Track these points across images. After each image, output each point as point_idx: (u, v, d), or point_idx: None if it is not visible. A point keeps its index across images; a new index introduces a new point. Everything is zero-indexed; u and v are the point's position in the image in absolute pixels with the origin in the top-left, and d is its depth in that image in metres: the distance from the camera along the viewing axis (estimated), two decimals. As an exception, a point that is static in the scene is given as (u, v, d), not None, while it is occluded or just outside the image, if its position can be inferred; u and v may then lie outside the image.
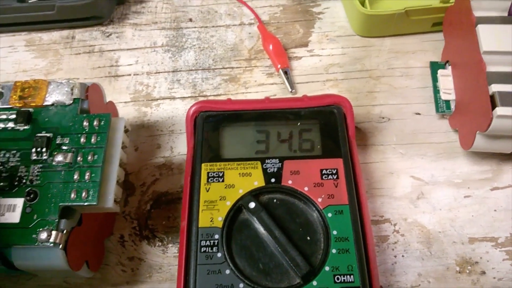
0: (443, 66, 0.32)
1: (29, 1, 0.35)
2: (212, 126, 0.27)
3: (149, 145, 0.31)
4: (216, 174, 0.26)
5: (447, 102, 0.31)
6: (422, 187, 0.29)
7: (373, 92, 0.32)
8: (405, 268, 0.27)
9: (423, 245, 0.28)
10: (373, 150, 0.30)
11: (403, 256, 0.27)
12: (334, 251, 0.23)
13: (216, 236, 0.24)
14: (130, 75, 0.34)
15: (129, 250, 0.28)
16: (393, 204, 0.29)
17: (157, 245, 0.28)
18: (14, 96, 0.25)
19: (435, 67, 0.32)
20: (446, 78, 0.31)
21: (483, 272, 0.27)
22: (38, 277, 0.27)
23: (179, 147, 0.31)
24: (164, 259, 0.28)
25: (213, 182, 0.25)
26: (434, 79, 0.32)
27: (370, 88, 0.33)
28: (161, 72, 0.34)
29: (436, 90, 0.32)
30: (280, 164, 0.26)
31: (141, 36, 0.35)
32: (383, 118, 0.32)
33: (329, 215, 0.24)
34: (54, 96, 0.25)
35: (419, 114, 0.32)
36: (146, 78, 0.34)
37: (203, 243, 0.24)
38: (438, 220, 0.28)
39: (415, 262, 0.27)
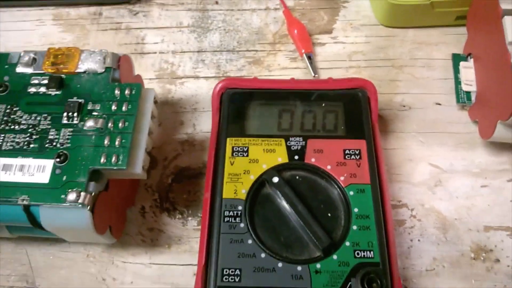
0: (465, 59, 0.33)
1: (58, -23, 0.35)
2: (238, 102, 0.28)
3: (172, 121, 0.32)
4: (241, 148, 0.26)
5: (468, 93, 0.31)
6: (440, 175, 0.30)
7: (395, 80, 0.33)
8: (421, 252, 0.27)
9: (439, 231, 0.28)
10: (394, 137, 0.31)
11: (419, 240, 0.28)
12: (354, 227, 0.24)
13: (240, 207, 0.24)
14: (155, 53, 0.34)
15: (149, 221, 0.28)
16: (411, 189, 0.29)
17: (177, 217, 0.29)
18: (47, 62, 0.26)
19: (457, 59, 0.33)
20: (468, 70, 0.32)
21: (497, 260, 0.27)
22: (58, 244, 0.28)
23: (201, 125, 0.31)
24: (184, 231, 0.28)
25: (238, 156, 0.26)
26: (456, 71, 0.32)
27: (393, 76, 0.33)
28: (186, 52, 0.34)
29: (457, 82, 0.32)
30: (303, 142, 0.26)
31: (168, 16, 0.36)
32: (404, 106, 0.32)
33: (351, 193, 0.25)
34: (86, 64, 0.26)
35: (439, 104, 0.32)
36: (171, 57, 0.34)
37: (226, 213, 0.24)
38: (455, 208, 0.29)
39: (431, 247, 0.27)
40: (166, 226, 0.28)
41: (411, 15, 0.34)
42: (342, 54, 0.34)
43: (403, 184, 0.29)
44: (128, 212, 0.29)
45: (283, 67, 0.34)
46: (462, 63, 0.32)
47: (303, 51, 0.33)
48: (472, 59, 0.32)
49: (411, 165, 0.30)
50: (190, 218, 0.29)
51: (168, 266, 0.27)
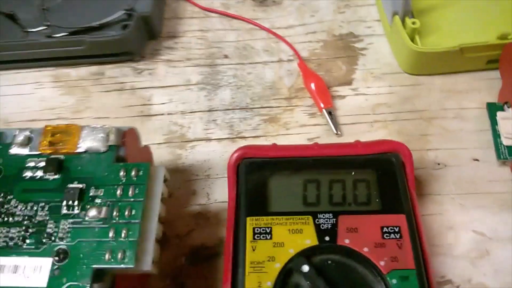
0: (501, 108, 0.30)
1: (57, 36, 0.33)
2: (256, 174, 0.25)
3: (184, 191, 0.29)
4: (263, 230, 0.23)
5: (510, 147, 0.28)
6: (486, 243, 0.26)
7: (426, 135, 0.30)
8: None
9: (491, 311, 0.25)
10: (429, 200, 0.28)
11: (470, 324, 0.24)
12: (401, 324, 0.20)
13: (266, 305, 0.21)
14: (163, 114, 0.32)
15: (162, 311, 0.25)
16: (454, 263, 0.26)
17: (193, 306, 0.25)
18: (44, 142, 0.23)
19: (492, 108, 0.30)
20: (507, 121, 0.29)
21: None
22: None
23: (216, 194, 0.29)
24: (202, 323, 0.25)
25: (260, 239, 0.23)
26: (493, 122, 0.29)
27: (422, 130, 0.30)
28: (196, 112, 0.32)
29: (496, 134, 0.29)
30: (334, 219, 0.23)
31: (175, 73, 0.33)
32: (439, 164, 0.29)
33: (394, 281, 0.21)
34: (87, 142, 0.23)
35: (477, 160, 0.29)
36: (181, 118, 0.32)
37: (251, 313, 0.21)
38: (507, 281, 0.25)
39: (485, 333, 0.24)
40: (181, 317, 0.25)
41: (438, 63, 0.31)
42: (365, 107, 0.31)
43: (445, 258, 0.26)
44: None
45: (302, 124, 0.31)
46: (499, 114, 0.29)
47: (322, 106, 0.31)
48: (510, 109, 0.29)
49: (452, 233, 0.27)
50: (208, 310, 0.25)
51: None
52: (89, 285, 0.20)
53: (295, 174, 0.25)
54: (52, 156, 0.23)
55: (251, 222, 0.23)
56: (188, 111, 0.32)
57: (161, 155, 0.30)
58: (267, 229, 0.23)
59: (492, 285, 0.25)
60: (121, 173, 0.22)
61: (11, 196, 0.22)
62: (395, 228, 0.23)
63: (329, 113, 0.30)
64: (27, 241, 0.21)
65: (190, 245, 0.27)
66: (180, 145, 0.30)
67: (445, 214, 0.27)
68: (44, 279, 0.20)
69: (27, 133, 0.24)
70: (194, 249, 0.27)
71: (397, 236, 0.22)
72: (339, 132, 0.30)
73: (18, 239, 0.21)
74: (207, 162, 0.30)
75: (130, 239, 0.21)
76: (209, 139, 0.31)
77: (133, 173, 0.22)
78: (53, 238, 0.21)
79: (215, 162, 0.30)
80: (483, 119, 0.30)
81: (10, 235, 0.21)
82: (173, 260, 0.26)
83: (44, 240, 0.21)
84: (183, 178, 0.29)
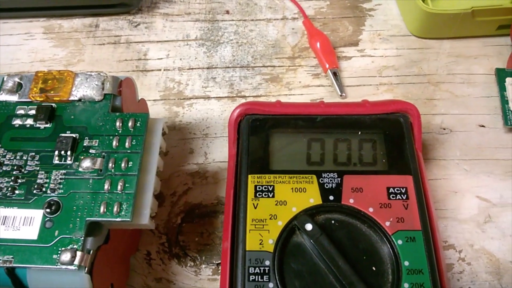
0: (510, 74, 0.29)
1: (49, -16, 0.31)
2: (259, 131, 0.24)
3: (181, 149, 0.28)
4: (265, 188, 0.22)
5: (518, 114, 0.28)
6: (490, 209, 0.26)
7: (432, 99, 0.29)
8: (474, 303, 0.24)
9: (492, 276, 0.24)
10: (435, 165, 0.27)
11: (470, 288, 0.24)
12: (406, 285, 0.20)
13: (267, 263, 0.20)
14: (160, 70, 0.30)
15: (156, 270, 0.24)
16: (457, 227, 0.25)
17: (188, 265, 0.25)
18: (35, 89, 0.22)
19: (502, 74, 0.29)
20: (516, 87, 0.28)
21: None
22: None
23: (214, 153, 0.27)
24: (197, 282, 0.24)
25: (262, 197, 0.22)
26: (502, 88, 0.29)
27: (429, 95, 0.29)
28: (195, 69, 0.30)
29: (504, 101, 0.28)
30: (339, 179, 0.22)
31: (173, 28, 0.32)
32: (445, 129, 0.28)
33: (399, 242, 0.21)
34: (81, 90, 0.22)
35: (483, 126, 0.28)
36: (178, 75, 0.30)
37: (251, 270, 0.20)
38: (509, 248, 0.25)
39: (485, 296, 0.24)
40: (176, 276, 0.24)
41: (448, 25, 0.30)
42: (371, 69, 0.30)
43: (449, 221, 0.25)
44: (131, 259, 0.25)
45: (305, 85, 0.30)
46: (508, 80, 0.28)
47: (327, 66, 0.29)
48: (520, 75, 0.28)
49: (457, 198, 0.26)
50: (204, 266, 0.25)
51: (180, 323, 0.23)
52: (82, 238, 0.19)
53: (299, 133, 0.24)
54: (44, 104, 0.22)
55: (252, 180, 0.22)
56: (186, 68, 0.30)
57: (157, 112, 0.29)
58: (269, 187, 0.22)
59: (495, 251, 0.25)
60: (118, 124, 0.21)
61: (-1, 145, 0.21)
62: (401, 189, 0.22)
63: (334, 74, 0.29)
64: (16, 191, 0.20)
65: (187, 203, 0.26)
66: (177, 102, 0.29)
67: (449, 179, 0.27)
68: (35, 232, 0.19)
69: (16, 79, 0.22)
70: (190, 207, 0.26)
71: (404, 197, 0.22)
72: (343, 94, 0.29)
73: (7, 190, 0.20)
74: (205, 121, 0.29)
75: (126, 191, 0.19)
76: (208, 97, 0.29)
77: (130, 123, 0.21)
78: (44, 189, 0.20)
79: (214, 120, 0.29)
80: (491, 85, 0.29)
81: (-2, 185, 0.20)
82: (169, 218, 0.26)
83: (34, 191, 0.20)
84: (179, 136, 0.28)
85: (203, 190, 0.26)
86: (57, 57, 0.31)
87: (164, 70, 0.30)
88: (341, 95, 0.29)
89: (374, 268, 0.20)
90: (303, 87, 0.30)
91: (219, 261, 0.24)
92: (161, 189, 0.26)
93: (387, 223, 0.21)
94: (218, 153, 0.27)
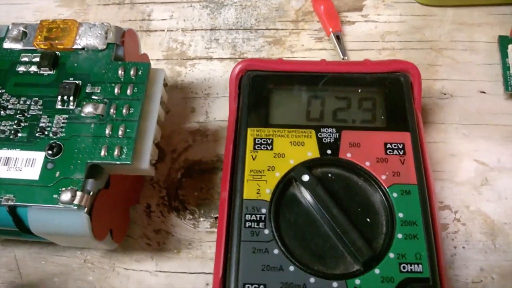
0: (513, 41, 0.29)
1: None
2: (260, 87, 0.24)
3: (182, 108, 0.28)
4: (264, 141, 0.22)
5: (519, 80, 0.28)
6: (487, 172, 0.26)
7: (434, 65, 0.29)
8: (466, 261, 0.24)
9: (486, 237, 0.24)
10: (434, 129, 0.27)
11: (463, 247, 0.24)
12: (399, 236, 0.20)
13: (263, 211, 0.21)
14: (163, 30, 0.30)
15: (155, 222, 0.25)
16: (454, 189, 0.26)
17: (187, 218, 0.25)
18: (39, 37, 0.22)
19: (504, 42, 0.29)
20: (518, 54, 0.28)
21: (556, 272, 0.23)
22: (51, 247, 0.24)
23: (215, 112, 0.28)
24: (195, 234, 0.25)
25: (260, 149, 0.22)
26: (504, 55, 0.29)
27: (431, 60, 0.29)
28: (198, 30, 0.30)
29: (505, 67, 0.28)
30: (337, 134, 0.22)
31: (177, -11, 0.32)
32: (445, 94, 0.28)
33: (394, 195, 0.21)
34: (85, 39, 0.22)
35: (484, 92, 0.28)
36: (181, 35, 0.30)
37: (248, 217, 0.21)
38: (504, 210, 0.25)
39: (477, 255, 0.24)
40: (175, 228, 0.25)
41: (452, -8, 0.30)
42: (374, 35, 0.30)
43: (445, 183, 0.26)
44: (131, 211, 0.25)
45: (308, 48, 0.30)
46: (510, 46, 0.28)
47: (330, 30, 0.29)
48: (523, 42, 0.28)
49: (454, 161, 0.26)
50: (202, 219, 0.25)
51: (176, 274, 0.24)
52: (83, 179, 0.19)
53: (300, 89, 0.24)
54: (48, 52, 0.22)
55: (252, 133, 0.23)
56: (190, 29, 0.30)
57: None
58: (268, 140, 0.22)
59: (490, 213, 0.25)
60: (120, 72, 0.21)
61: (3, 90, 0.21)
62: (399, 145, 0.22)
63: (337, 37, 0.29)
64: (19, 134, 0.20)
65: (187, 159, 0.26)
66: (180, 62, 0.29)
67: (448, 143, 0.27)
68: (36, 172, 0.20)
69: (21, 28, 0.23)
70: (190, 163, 0.26)
71: (401, 153, 0.22)
72: (346, 58, 0.29)
73: (10, 133, 0.20)
74: (207, 81, 0.29)
75: (127, 136, 0.20)
76: (210, 58, 0.30)
77: (132, 72, 0.21)
78: (46, 133, 0.20)
79: (216, 81, 0.29)
80: (493, 53, 0.29)
81: (1, 128, 0.21)
82: (169, 173, 0.26)
83: (37, 134, 0.20)
84: (181, 96, 0.28)
85: (203, 148, 0.27)
86: (61, 17, 0.31)
87: (167, 30, 0.30)
88: (343, 58, 0.29)
89: (368, 220, 0.21)
90: (306, 50, 0.30)
91: (218, 215, 0.25)
92: (162, 145, 0.27)
93: (383, 177, 0.21)
94: (219, 112, 0.28)
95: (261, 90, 0.24)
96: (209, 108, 0.28)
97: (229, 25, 0.31)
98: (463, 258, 0.24)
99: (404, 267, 0.19)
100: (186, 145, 0.27)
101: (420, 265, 0.20)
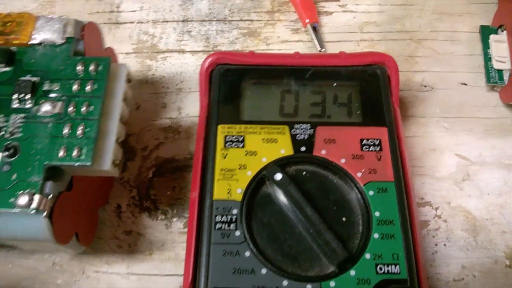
0: (495, 31, 0.28)
1: None
2: (231, 82, 0.23)
3: (153, 103, 0.27)
4: (235, 138, 0.21)
5: (500, 72, 0.27)
6: (469, 167, 0.25)
7: (414, 56, 0.28)
8: (447, 259, 0.23)
9: (468, 234, 0.24)
10: (414, 122, 0.26)
11: (445, 245, 0.24)
12: (376, 236, 0.19)
13: (235, 211, 0.20)
14: (133, 22, 0.29)
15: (126, 223, 0.24)
16: (434, 185, 0.25)
17: (159, 218, 0.24)
18: (-6, 31, 0.21)
19: (486, 32, 0.28)
20: (500, 45, 0.27)
21: (538, 268, 0.23)
22: (18, 250, 0.23)
23: (188, 108, 0.27)
24: (168, 235, 0.24)
25: (232, 147, 0.21)
26: (485, 46, 0.28)
27: (411, 51, 0.28)
28: (169, 21, 0.29)
29: (487, 58, 0.28)
30: (312, 130, 0.22)
31: (147, -21, 0.31)
32: (425, 86, 0.27)
33: (371, 193, 0.20)
34: (42, 34, 0.21)
35: (465, 84, 0.28)
36: (152, 27, 0.29)
37: (218, 218, 0.20)
38: (486, 206, 0.24)
39: (459, 253, 0.23)
40: (146, 229, 0.24)
41: (433, -20, 0.29)
42: (352, 25, 0.29)
43: (426, 179, 0.25)
44: (100, 212, 0.24)
45: (284, 40, 0.29)
46: (492, 37, 0.28)
47: (307, 21, 0.28)
48: (504, 32, 0.27)
49: (435, 156, 0.26)
50: (175, 219, 0.24)
51: (149, 276, 0.23)
52: (40, 182, 0.18)
53: (272, 83, 0.23)
54: (3, 47, 0.21)
55: (222, 130, 0.22)
56: (161, 21, 0.29)
57: (129, 65, 0.27)
58: (239, 137, 0.21)
59: (472, 209, 0.24)
60: (79, 67, 0.20)
61: (-45, 88, 0.20)
62: (375, 141, 0.21)
63: (314, 29, 0.28)
64: (-27, 135, 0.19)
65: (158, 157, 0.25)
66: (151, 55, 0.28)
67: (428, 137, 0.26)
68: (-9, 175, 0.18)
69: (-26, 21, 0.21)
70: (162, 161, 0.25)
71: (377, 149, 0.21)
72: (323, 49, 0.28)
73: (-37, 134, 0.19)
74: (179, 75, 0.28)
75: (87, 136, 0.19)
76: (182, 51, 0.28)
77: (91, 67, 0.20)
78: (2, 133, 0.19)
79: (188, 75, 0.28)
80: (475, 43, 0.29)
81: (-46, 128, 0.19)
82: (140, 172, 0.25)
83: (-8, 135, 0.19)
84: (152, 90, 0.27)
85: (175, 145, 0.26)
86: (26, 9, 0.30)
87: (137, 22, 0.29)
88: (320, 51, 0.28)
89: (344, 219, 0.20)
90: (282, 42, 0.29)
91: (189, 216, 0.24)
92: (132, 143, 0.26)
93: (359, 174, 0.20)
94: (192, 108, 0.27)
95: (232, 84, 0.23)
96: (181, 103, 0.27)
97: (202, 16, 0.29)
98: (445, 256, 0.23)
99: (380, 268, 0.19)
100: (158, 142, 0.26)
101: (397, 266, 0.19)
